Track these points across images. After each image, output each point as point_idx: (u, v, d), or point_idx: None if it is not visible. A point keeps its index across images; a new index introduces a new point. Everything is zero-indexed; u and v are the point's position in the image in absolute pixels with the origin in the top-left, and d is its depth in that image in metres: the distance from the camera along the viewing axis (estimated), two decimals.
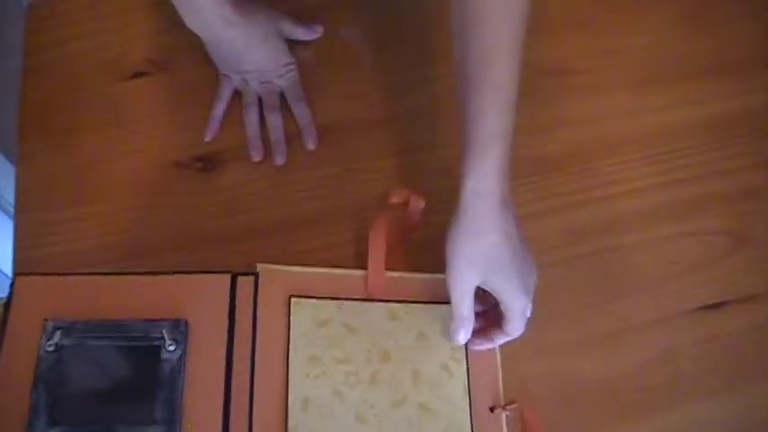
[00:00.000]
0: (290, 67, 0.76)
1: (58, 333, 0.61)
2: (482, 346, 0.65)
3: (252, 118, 0.74)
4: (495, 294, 0.61)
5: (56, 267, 0.67)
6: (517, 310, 0.61)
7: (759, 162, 0.77)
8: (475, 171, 0.58)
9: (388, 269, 0.67)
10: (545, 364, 0.66)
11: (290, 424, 0.60)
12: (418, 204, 0.71)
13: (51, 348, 0.60)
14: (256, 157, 0.73)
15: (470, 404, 0.63)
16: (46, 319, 0.61)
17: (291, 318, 0.64)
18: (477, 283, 0.60)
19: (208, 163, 0.73)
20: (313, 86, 0.77)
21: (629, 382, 0.66)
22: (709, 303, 0.70)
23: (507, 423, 0.64)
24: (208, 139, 0.74)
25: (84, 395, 0.60)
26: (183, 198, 0.72)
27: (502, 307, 0.61)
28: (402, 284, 0.67)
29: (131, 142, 0.74)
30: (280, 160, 0.73)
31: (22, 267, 0.68)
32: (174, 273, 0.65)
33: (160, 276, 0.65)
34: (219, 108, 0.75)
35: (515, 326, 0.62)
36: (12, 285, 0.64)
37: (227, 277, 0.65)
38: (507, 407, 0.64)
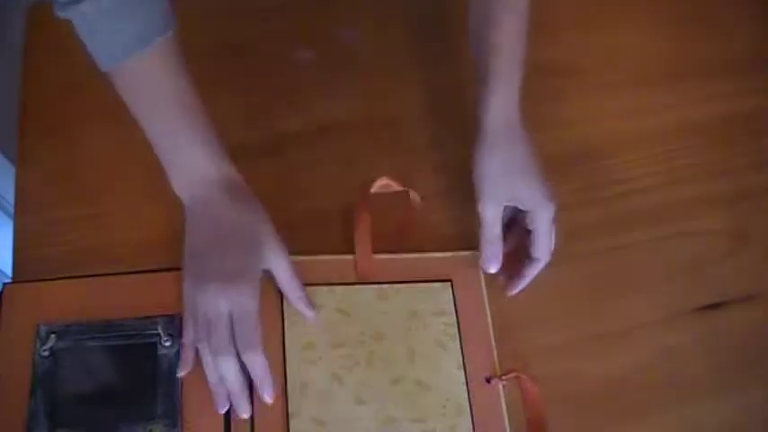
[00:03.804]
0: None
1: (53, 337, 0.60)
2: (516, 287, 0.67)
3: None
4: (523, 206, 0.64)
5: (56, 267, 0.67)
6: (545, 221, 0.63)
7: (759, 162, 0.77)
8: (502, 92, 0.64)
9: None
10: (545, 364, 0.66)
11: (292, 409, 0.61)
12: (415, 197, 0.71)
13: (47, 353, 0.60)
14: (221, 408, 0.59)
15: (466, 377, 0.64)
16: (39, 325, 0.61)
17: (284, 305, 0.64)
18: (506, 199, 0.64)
19: None
20: (313, 86, 0.77)
21: (629, 382, 0.66)
22: (709, 303, 0.70)
23: (505, 393, 0.64)
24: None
25: (83, 397, 0.60)
26: None
27: (529, 220, 0.64)
28: (391, 266, 0.68)
29: (132, 142, 0.73)
30: (245, 413, 0.59)
31: (22, 267, 0.68)
32: (164, 270, 0.65)
33: (150, 274, 0.65)
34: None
35: (543, 243, 0.64)
36: (0, 294, 0.63)
37: None
38: (504, 376, 0.64)
